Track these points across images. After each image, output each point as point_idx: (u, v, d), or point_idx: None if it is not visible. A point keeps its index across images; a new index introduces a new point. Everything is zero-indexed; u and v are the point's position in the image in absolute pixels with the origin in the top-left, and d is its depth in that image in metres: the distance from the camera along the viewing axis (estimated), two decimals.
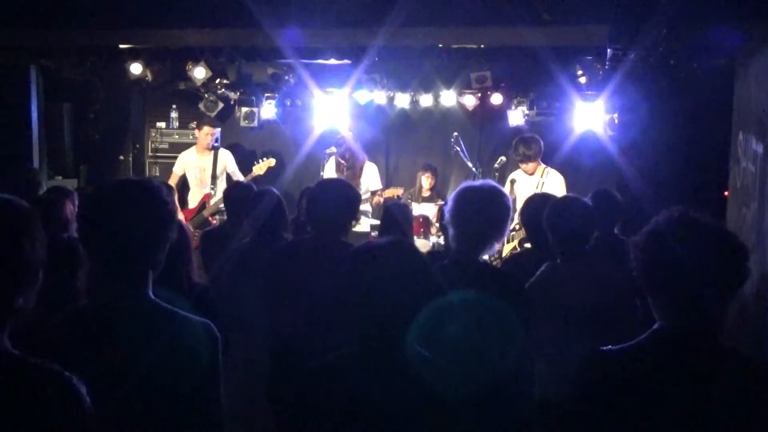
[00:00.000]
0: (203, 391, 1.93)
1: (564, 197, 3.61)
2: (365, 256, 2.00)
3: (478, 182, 3.17)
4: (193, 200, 7.56)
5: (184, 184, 7.75)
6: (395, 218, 4.46)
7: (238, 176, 7.58)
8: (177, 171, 7.68)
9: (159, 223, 1.96)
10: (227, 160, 7.74)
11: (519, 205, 5.46)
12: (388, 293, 1.93)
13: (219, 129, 8.00)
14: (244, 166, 7.84)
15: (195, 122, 8.38)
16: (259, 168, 7.42)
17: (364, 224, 7.14)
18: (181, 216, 7.14)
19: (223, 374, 1.99)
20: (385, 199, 7.15)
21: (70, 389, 1.53)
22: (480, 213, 2.92)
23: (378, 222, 7.31)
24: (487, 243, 2.96)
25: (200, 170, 7.60)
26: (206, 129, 7.57)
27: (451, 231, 3.00)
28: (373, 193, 7.31)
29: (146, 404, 1.86)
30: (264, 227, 4.07)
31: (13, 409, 1.47)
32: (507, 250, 6.70)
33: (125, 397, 1.83)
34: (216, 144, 8.06)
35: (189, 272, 3.18)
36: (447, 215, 3.01)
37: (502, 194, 3.02)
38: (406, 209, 4.83)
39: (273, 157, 7.65)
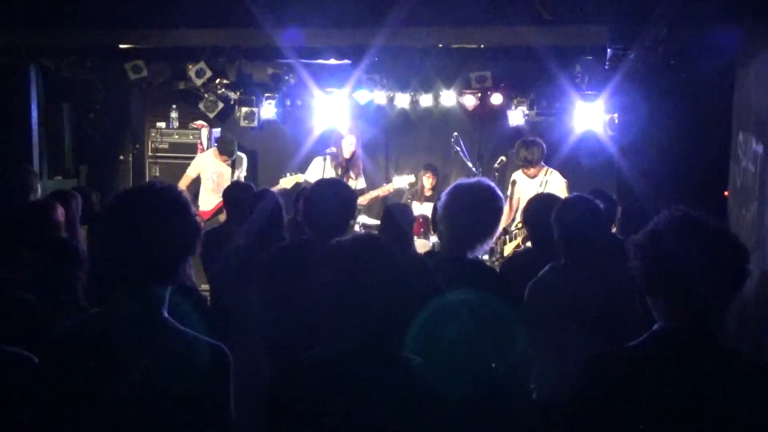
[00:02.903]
0: (212, 414, 1.84)
1: (573, 197, 3.51)
2: (329, 255, 2.00)
3: (472, 180, 3.10)
4: (206, 203, 7.47)
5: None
6: (395, 218, 4.46)
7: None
8: (191, 174, 7.56)
9: (188, 238, 1.89)
10: (243, 166, 7.70)
11: (521, 205, 5.46)
12: (355, 292, 1.91)
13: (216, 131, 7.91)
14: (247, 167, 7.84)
15: (200, 121, 8.37)
16: (287, 182, 7.32)
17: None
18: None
19: (232, 399, 1.89)
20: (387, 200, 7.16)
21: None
22: (471, 212, 2.89)
23: (370, 221, 7.34)
24: (476, 242, 2.93)
25: (218, 175, 7.52)
26: (225, 157, 7.54)
27: (441, 228, 2.98)
28: (360, 192, 7.30)
29: (151, 427, 1.80)
30: (261, 230, 4.06)
31: None
32: (509, 248, 6.69)
33: (129, 419, 1.78)
34: (215, 143, 8.07)
35: (184, 275, 3.15)
36: (439, 212, 2.98)
37: (494, 194, 2.97)
38: (406, 209, 4.83)
39: (273, 156, 7.61)
